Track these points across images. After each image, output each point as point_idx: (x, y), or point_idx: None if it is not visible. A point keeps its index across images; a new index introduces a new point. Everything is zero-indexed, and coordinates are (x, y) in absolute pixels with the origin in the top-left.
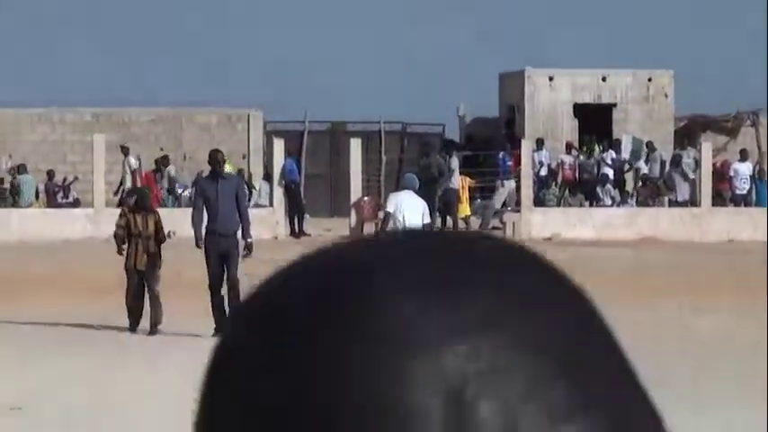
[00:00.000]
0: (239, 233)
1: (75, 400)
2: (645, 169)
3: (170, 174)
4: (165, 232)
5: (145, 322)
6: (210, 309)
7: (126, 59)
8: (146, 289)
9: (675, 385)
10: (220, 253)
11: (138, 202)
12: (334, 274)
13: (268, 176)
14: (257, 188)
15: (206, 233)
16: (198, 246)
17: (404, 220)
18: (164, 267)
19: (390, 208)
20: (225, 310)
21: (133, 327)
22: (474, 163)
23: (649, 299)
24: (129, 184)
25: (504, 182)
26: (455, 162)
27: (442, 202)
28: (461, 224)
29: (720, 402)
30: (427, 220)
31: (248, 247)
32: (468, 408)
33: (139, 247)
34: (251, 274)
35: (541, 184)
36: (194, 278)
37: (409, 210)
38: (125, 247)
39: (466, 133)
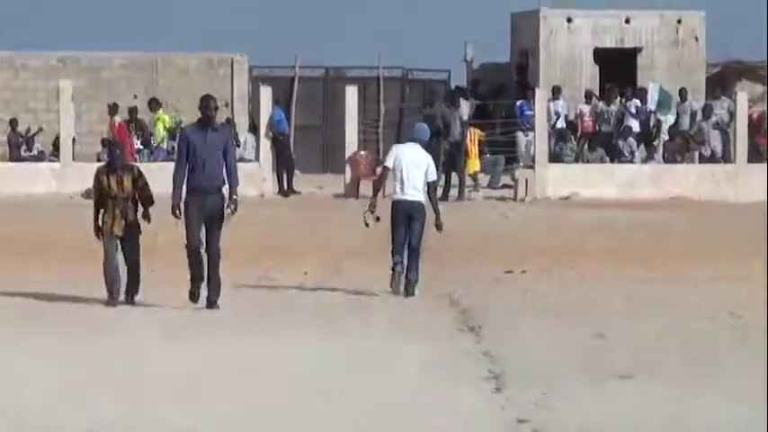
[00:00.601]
0: (225, 191)
1: (34, 380)
2: (672, 122)
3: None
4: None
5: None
6: (189, 274)
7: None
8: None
9: (710, 371)
10: (203, 213)
11: (109, 159)
12: None
13: (254, 128)
14: (242, 141)
15: (187, 190)
16: (174, 214)
17: (404, 176)
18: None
19: (389, 162)
20: (202, 279)
21: (112, 300)
22: (483, 113)
23: (678, 266)
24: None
25: (530, 133)
26: (464, 112)
27: (447, 157)
28: (469, 181)
29: None
30: (433, 177)
31: (233, 204)
32: None
33: (115, 210)
34: (236, 238)
35: (558, 137)
36: (173, 241)
37: (411, 165)
38: (100, 227)
39: (473, 80)
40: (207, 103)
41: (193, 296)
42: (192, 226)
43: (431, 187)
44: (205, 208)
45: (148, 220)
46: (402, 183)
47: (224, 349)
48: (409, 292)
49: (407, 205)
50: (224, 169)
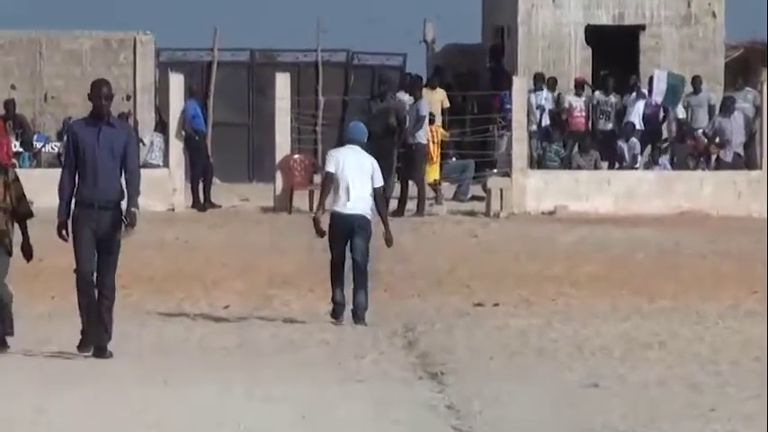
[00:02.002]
0: (124, 205)
1: None
2: (681, 116)
3: None
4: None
5: None
6: (78, 310)
7: None
8: None
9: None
10: (95, 232)
11: None
12: None
13: (162, 125)
14: (147, 142)
15: (76, 203)
16: (61, 233)
17: (348, 185)
18: (16, 251)
19: (331, 167)
20: (98, 316)
21: None
22: (454, 108)
23: (689, 297)
24: None
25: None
26: (425, 106)
27: (403, 162)
28: (429, 192)
29: None
30: (379, 182)
31: (129, 218)
32: None
33: None
34: (134, 258)
35: (541, 137)
36: (60, 267)
37: (354, 171)
38: None
39: (435, 66)
40: (98, 91)
41: (85, 343)
42: (83, 250)
43: (378, 194)
44: (96, 226)
45: (28, 256)
46: (345, 193)
47: (122, 403)
48: (359, 317)
49: (348, 219)
50: (121, 176)
